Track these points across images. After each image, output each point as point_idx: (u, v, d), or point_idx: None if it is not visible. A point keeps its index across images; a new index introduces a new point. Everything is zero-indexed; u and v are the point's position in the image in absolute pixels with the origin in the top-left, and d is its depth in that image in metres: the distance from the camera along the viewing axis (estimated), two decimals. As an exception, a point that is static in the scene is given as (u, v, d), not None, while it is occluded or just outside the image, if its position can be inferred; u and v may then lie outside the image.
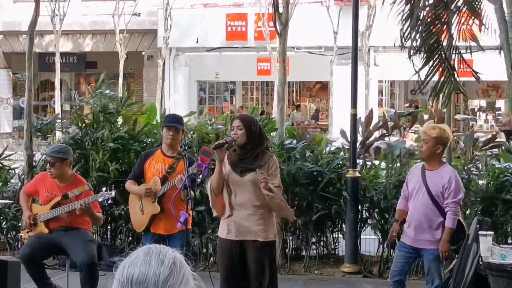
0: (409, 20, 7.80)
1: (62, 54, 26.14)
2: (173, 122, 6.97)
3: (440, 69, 7.84)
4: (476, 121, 29.14)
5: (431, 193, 6.40)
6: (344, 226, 9.31)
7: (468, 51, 8.21)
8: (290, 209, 6.47)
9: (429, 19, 7.82)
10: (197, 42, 26.16)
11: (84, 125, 9.68)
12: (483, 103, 32.77)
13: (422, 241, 6.46)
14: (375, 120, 11.66)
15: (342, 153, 9.78)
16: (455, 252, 6.98)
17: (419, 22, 7.74)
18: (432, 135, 6.44)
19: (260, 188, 5.86)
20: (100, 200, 7.09)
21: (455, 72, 7.90)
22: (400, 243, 6.68)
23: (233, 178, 5.99)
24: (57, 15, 24.61)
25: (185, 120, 9.77)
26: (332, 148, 9.93)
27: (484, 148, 10.34)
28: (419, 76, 7.96)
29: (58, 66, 24.76)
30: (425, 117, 12.24)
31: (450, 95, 8.18)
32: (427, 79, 7.92)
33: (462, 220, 6.67)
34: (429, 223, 6.43)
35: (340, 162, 9.27)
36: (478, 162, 9.27)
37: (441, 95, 8.26)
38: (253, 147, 5.94)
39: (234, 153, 6.02)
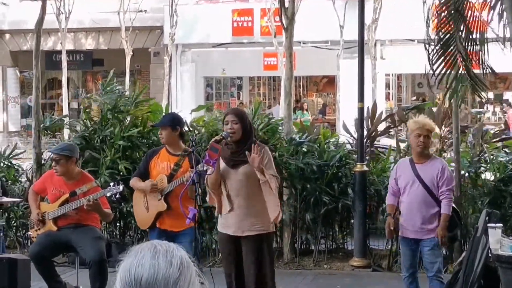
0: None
1: (69, 52, 26.15)
2: (161, 121, 7.06)
3: (457, 62, 7.64)
4: (484, 114, 29.02)
5: (426, 185, 6.59)
6: (352, 220, 9.31)
7: (476, 43, 8.09)
8: (278, 209, 6.09)
9: (444, 12, 7.66)
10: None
11: (92, 123, 9.69)
12: (490, 95, 32.62)
13: (421, 232, 6.63)
14: (379, 113, 11.56)
15: (348, 145, 9.75)
16: (451, 239, 7.12)
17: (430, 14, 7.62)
18: (431, 128, 6.71)
19: (253, 181, 5.89)
20: (108, 195, 7.03)
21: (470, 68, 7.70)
22: (401, 239, 6.88)
23: (227, 173, 6.01)
24: (62, 13, 24.60)
25: (194, 114, 9.80)
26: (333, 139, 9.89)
27: (494, 141, 10.30)
28: (428, 70, 7.84)
29: (65, 64, 24.74)
30: (434, 109, 12.13)
31: (465, 92, 8.08)
32: (441, 73, 7.76)
33: (456, 207, 6.86)
34: (427, 214, 6.62)
35: (343, 156, 9.23)
36: (485, 155, 9.24)
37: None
38: (246, 140, 5.96)
39: (226, 147, 6.03)
